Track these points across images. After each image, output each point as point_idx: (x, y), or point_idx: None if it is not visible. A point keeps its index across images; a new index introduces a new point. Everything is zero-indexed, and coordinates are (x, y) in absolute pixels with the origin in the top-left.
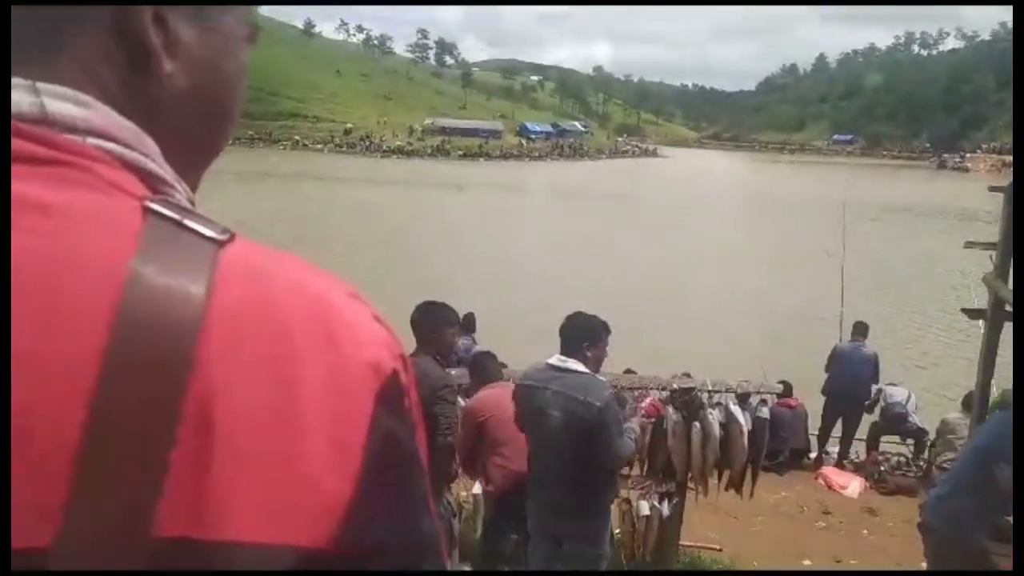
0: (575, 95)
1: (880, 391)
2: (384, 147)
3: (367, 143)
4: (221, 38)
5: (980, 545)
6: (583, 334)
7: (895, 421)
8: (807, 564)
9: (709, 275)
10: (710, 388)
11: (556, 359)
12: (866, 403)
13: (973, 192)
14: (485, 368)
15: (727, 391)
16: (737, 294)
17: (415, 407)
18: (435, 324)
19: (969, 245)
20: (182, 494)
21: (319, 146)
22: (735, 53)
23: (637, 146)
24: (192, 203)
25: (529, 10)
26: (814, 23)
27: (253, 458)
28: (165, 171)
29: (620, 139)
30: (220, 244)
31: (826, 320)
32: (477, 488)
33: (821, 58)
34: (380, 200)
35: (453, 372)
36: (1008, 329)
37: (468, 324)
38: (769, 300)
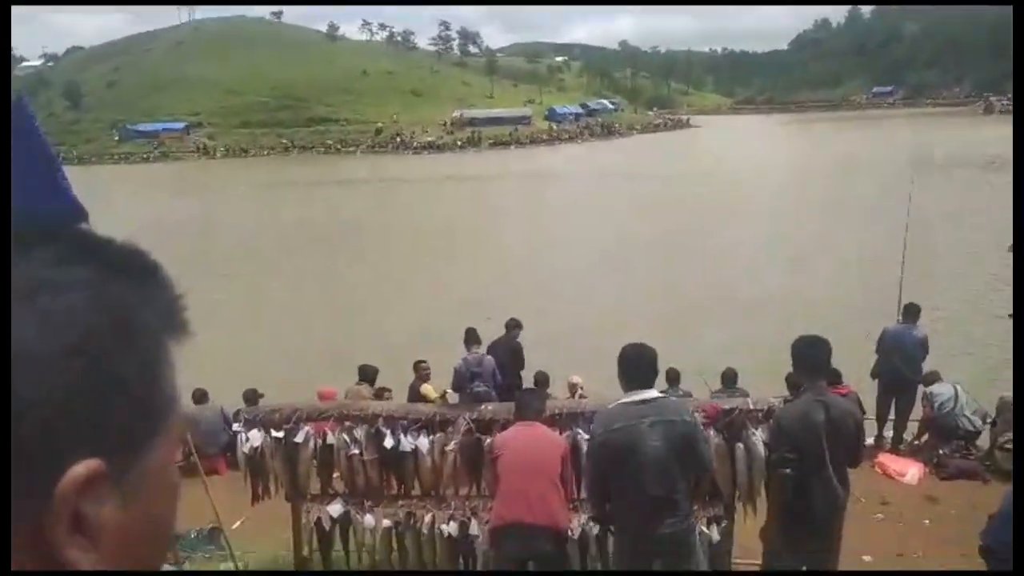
0: (602, 72)
1: (926, 395)
2: (415, 144)
3: (398, 141)
4: (150, 487)
5: None
6: (653, 367)
7: (947, 430)
8: (867, 560)
9: (756, 256)
10: (751, 407)
11: (636, 395)
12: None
13: None
14: (523, 405)
15: (769, 410)
16: (785, 283)
17: None
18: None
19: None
20: None
21: (351, 148)
22: (764, 13)
23: (669, 118)
24: None
25: None
26: None
27: None
28: None
29: (651, 113)
30: None
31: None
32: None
33: (855, 10)
34: (412, 198)
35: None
36: None
37: (473, 338)
38: (819, 286)
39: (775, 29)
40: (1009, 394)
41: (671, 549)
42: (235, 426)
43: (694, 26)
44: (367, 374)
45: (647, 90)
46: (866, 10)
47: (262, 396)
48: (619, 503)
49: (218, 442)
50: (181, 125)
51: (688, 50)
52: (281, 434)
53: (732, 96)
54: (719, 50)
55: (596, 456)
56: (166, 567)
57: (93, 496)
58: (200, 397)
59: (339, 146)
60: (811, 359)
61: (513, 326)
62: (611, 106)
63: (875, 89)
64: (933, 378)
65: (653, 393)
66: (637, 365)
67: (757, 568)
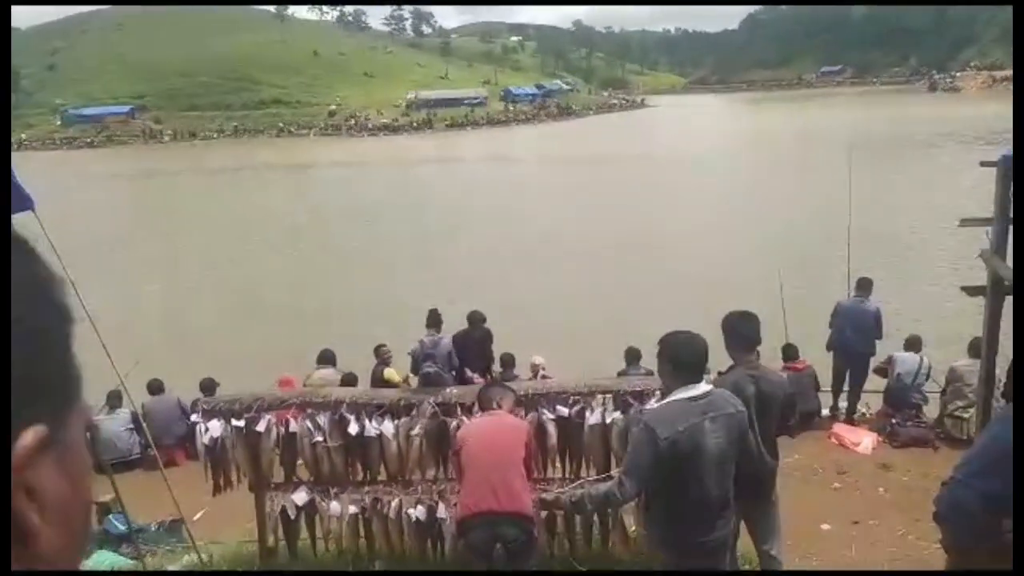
0: (557, 53)
1: (891, 359)
2: (370, 126)
3: (352, 123)
4: (73, 460)
5: (1002, 526)
6: (705, 357)
7: (899, 400)
8: (826, 528)
9: (708, 235)
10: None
11: (691, 390)
12: (874, 366)
13: (967, 114)
14: (483, 398)
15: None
16: (741, 255)
17: None
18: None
19: (964, 223)
20: None
21: (304, 131)
22: None
23: (624, 99)
24: None
25: None
26: None
27: None
28: None
29: (606, 93)
30: None
31: (832, 278)
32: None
33: None
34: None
35: (431, 369)
36: (1009, 303)
37: (434, 320)
38: (773, 257)
39: (726, 9)
40: (960, 363)
41: (721, 552)
42: (193, 416)
43: (647, 6)
44: (327, 357)
45: (602, 70)
46: None
47: (218, 385)
48: (675, 506)
49: (175, 433)
50: (126, 108)
51: (642, 30)
52: (242, 423)
53: (685, 75)
54: (672, 30)
55: (662, 456)
56: (130, 563)
57: (39, 463)
58: (156, 388)
59: (291, 129)
60: (741, 333)
61: (479, 320)
62: (566, 87)
63: (824, 68)
64: (912, 342)
65: (705, 387)
66: (689, 356)
67: None
